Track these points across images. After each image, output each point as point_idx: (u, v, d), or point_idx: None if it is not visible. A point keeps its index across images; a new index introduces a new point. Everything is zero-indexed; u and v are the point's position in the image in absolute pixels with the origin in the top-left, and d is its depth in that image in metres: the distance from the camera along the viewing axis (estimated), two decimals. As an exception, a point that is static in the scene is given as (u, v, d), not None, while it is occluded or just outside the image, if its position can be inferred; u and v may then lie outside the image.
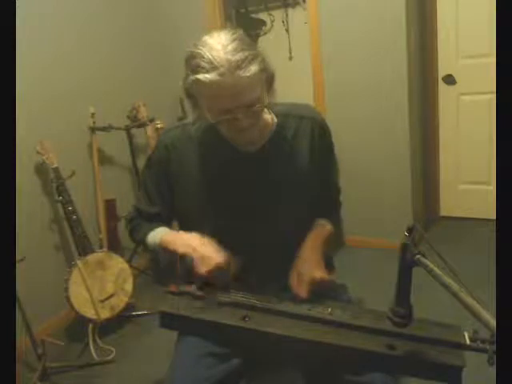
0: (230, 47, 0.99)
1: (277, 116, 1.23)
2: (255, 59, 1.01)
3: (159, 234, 1.24)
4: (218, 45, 0.99)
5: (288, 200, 1.23)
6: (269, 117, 1.21)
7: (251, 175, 1.21)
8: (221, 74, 0.98)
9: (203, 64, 0.99)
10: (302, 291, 1.11)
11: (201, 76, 0.99)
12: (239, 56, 0.98)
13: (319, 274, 1.14)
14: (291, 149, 1.23)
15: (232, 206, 1.22)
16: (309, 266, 1.16)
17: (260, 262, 1.19)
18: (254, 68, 1.00)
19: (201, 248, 1.12)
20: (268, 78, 1.08)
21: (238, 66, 0.98)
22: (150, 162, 1.30)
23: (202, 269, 1.09)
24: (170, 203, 1.27)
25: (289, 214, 1.23)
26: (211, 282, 1.13)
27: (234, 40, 1.01)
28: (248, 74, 0.99)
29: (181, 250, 1.14)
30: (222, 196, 1.22)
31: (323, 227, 1.30)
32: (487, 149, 3.00)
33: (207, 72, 0.98)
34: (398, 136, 2.84)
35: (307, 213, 1.28)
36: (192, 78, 1.02)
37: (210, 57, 0.98)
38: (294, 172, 1.23)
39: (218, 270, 1.09)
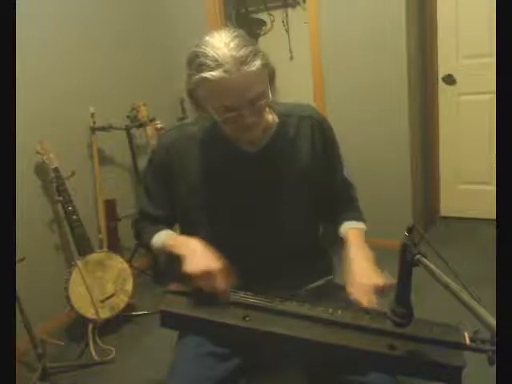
0: (232, 44, 0.99)
1: (278, 116, 1.23)
2: (258, 54, 1.02)
3: (162, 237, 1.25)
4: (221, 43, 1.00)
5: (289, 199, 1.23)
6: (270, 117, 1.22)
7: (253, 175, 1.21)
8: (226, 71, 0.98)
9: (208, 62, 0.99)
10: (371, 302, 1.06)
11: (207, 74, 0.99)
12: (243, 52, 0.99)
13: (380, 280, 1.10)
14: (292, 148, 1.23)
15: (234, 206, 1.22)
16: (366, 276, 1.11)
17: (262, 261, 1.19)
18: (257, 63, 1.01)
19: (198, 251, 1.11)
20: (270, 74, 1.08)
21: (243, 61, 0.99)
22: (150, 163, 1.29)
23: (190, 268, 1.07)
24: (171, 205, 1.27)
25: (290, 213, 1.23)
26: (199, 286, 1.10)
27: (236, 37, 1.01)
28: (253, 69, 1.00)
29: (180, 251, 1.14)
30: (223, 196, 1.22)
31: (358, 230, 1.27)
32: (487, 149, 3.00)
33: (212, 69, 0.98)
34: (398, 136, 2.84)
35: (313, 212, 1.28)
36: (197, 77, 1.02)
37: (215, 54, 0.98)
38: (296, 172, 1.22)
39: (208, 275, 1.07)
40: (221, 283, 1.07)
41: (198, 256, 1.10)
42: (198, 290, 1.11)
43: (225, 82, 0.99)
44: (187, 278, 1.10)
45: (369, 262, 1.16)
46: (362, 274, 1.12)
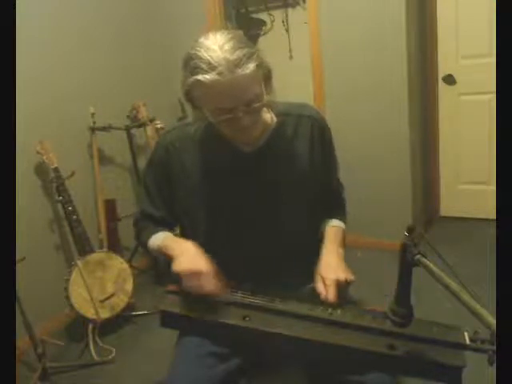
0: (226, 46, 0.99)
1: (276, 115, 1.23)
2: (252, 56, 1.02)
3: (159, 238, 1.25)
4: (215, 45, 1.00)
5: (288, 199, 1.23)
6: (268, 116, 1.21)
7: (251, 175, 1.21)
8: (219, 73, 0.98)
9: (201, 65, 0.99)
10: (331, 295, 1.09)
11: (200, 77, 0.99)
12: (237, 54, 0.99)
13: (343, 275, 1.13)
14: (291, 148, 1.23)
15: (233, 205, 1.22)
16: (332, 270, 1.15)
17: (262, 261, 1.19)
18: (251, 65, 1.01)
19: (188, 252, 1.12)
20: (265, 75, 1.08)
21: (236, 64, 0.98)
22: (150, 164, 1.30)
23: (177, 267, 1.08)
24: (171, 205, 1.27)
25: (289, 213, 1.23)
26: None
27: (231, 39, 1.01)
28: (247, 72, 1.00)
29: (172, 252, 1.15)
30: (222, 196, 1.22)
31: (338, 228, 1.31)
32: (487, 149, 3.00)
33: (206, 72, 0.98)
34: (398, 136, 2.84)
35: (312, 211, 1.28)
36: (191, 79, 1.02)
37: (208, 57, 0.98)
38: (294, 171, 1.23)
39: (195, 275, 1.07)
40: (209, 285, 1.08)
41: (186, 256, 1.10)
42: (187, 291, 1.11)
43: (218, 84, 0.99)
44: (177, 279, 1.10)
45: (338, 257, 1.20)
46: (329, 267, 1.16)
